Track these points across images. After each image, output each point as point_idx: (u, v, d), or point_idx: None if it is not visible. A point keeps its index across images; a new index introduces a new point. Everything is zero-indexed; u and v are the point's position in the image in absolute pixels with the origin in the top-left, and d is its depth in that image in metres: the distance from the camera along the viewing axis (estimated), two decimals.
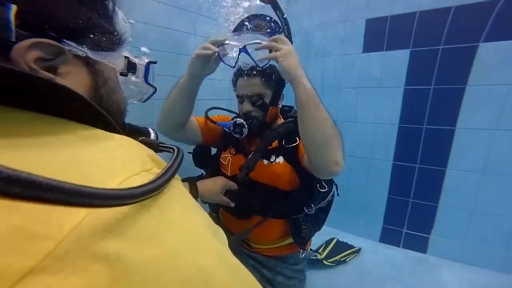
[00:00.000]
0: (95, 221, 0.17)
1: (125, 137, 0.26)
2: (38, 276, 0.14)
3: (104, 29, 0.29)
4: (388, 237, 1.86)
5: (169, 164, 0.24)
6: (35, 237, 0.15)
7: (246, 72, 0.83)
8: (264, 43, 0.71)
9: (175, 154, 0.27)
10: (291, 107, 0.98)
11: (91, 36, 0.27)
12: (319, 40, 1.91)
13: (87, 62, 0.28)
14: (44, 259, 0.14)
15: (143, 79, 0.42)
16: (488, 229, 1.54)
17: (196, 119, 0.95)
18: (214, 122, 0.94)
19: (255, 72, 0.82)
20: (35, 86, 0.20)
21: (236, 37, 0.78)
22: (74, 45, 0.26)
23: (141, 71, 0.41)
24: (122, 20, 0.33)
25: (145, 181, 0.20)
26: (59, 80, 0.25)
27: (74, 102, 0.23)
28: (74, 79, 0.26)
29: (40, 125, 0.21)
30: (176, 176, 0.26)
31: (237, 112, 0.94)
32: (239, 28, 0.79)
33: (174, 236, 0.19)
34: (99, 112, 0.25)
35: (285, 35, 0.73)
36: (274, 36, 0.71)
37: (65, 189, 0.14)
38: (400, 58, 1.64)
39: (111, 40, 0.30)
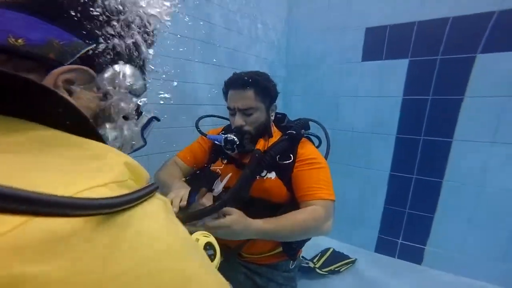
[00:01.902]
0: (24, 236, 0.14)
1: (103, 144, 0.25)
2: None
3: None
4: (384, 247, 1.84)
5: (145, 186, 0.22)
6: None
7: (238, 84, 0.81)
8: (206, 224, 0.66)
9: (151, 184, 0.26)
10: (284, 115, 0.97)
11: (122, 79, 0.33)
12: (318, 48, 1.91)
13: (105, 94, 0.31)
14: None
15: (140, 130, 0.40)
16: (485, 241, 1.52)
17: (180, 158, 0.97)
18: (205, 135, 0.94)
19: (247, 85, 0.81)
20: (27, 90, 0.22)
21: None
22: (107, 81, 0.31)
23: (141, 121, 0.40)
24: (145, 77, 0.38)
25: (110, 194, 0.18)
26: (71, 99, 0.28)
27: (66, 113, 0.24)
28: (82, 102, 0.29)
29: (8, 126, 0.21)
30: (158, 195, 0.24)
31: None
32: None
33: (127, 260, 0.17)
34: (91, 126, 0.26)
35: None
36: (214, 219, 0.68)
37: None
38: (398, 68, 1.64)
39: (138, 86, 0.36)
